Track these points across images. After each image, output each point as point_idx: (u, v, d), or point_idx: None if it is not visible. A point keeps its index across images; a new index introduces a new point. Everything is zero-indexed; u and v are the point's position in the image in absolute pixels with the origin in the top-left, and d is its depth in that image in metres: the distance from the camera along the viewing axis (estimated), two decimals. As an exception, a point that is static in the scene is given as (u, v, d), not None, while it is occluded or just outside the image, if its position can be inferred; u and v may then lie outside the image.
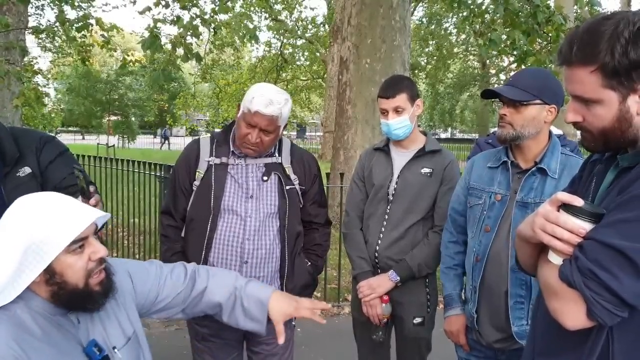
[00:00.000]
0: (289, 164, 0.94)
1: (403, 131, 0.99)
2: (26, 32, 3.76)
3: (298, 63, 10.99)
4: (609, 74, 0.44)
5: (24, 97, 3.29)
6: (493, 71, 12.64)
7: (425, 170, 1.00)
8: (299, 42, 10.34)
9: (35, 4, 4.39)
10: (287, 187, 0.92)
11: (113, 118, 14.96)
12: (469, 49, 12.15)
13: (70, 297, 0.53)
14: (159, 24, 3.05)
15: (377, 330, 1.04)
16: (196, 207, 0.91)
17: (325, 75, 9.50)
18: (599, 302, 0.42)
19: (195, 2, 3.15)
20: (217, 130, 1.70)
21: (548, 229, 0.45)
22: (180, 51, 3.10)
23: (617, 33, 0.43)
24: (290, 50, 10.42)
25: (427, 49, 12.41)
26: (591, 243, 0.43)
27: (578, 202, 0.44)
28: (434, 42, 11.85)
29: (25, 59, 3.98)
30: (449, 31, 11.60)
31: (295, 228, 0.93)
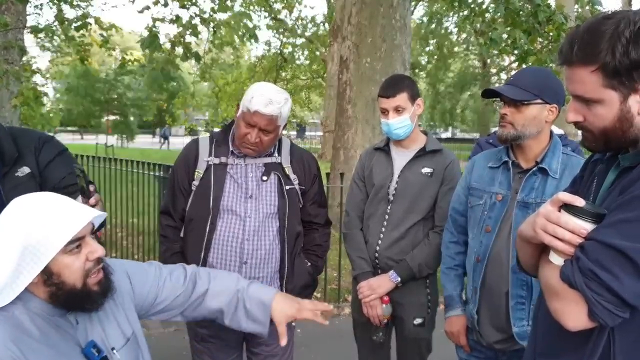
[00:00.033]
0: (288, 164, 0.93)
1: (403, 131, 0.99)
2: (25, 31, 3.74)
3: (298, 62, 11.00)
4: (610, 74, 0.44)
5: (23, 97, 3.28)
6: (494, 70, 12.63)
7: (426, 170, 1.00)
8: (299, 41, 10.35)
9: (33, 3, 4.39)
10: (287, 187, 0.91)
11: (112, 118, 14.94)
12: (470, 48, 12.15)
13: (69, 297, 0.53)
14: (157, 23, 3.04)
15: (378, 331, 1.04)
16: (195, 207, 0.90)
17: (325, 75, 9.49)
18: (600, 302, 0.42)
19: (194, 1, 3.14)
20: (216, 129, 1.71)
21: (549, 230, 0.45)
22: (179, 50, 3.09)
23: (618, 33, 0.43)
24: (290, 49, 10.42)
25: (427, 48, 12.42)
26: (592, 243, 0.42)
27: (579, 202, 0.44)
28: (434, 41, 11.84)
29: (24, 58, 3.97)
30: (449, 30, 11.64)
31: (295, 228, 0.93)
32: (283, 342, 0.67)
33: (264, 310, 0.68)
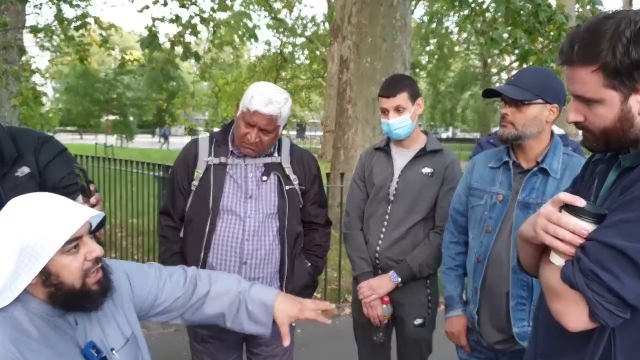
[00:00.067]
0: (288, 164, 0.93)
1: (404, 130, 0.99)
2: (24, 31, 3.74)
3: (298, 62, 10.99)
4: (611, 74, 0.44)
5: (22, 97, 3.28)
6: (494, 70, 12.62)
7: (426, 170, 1.00)
8: (299, 40, 10.34)
9: (33, 2, 4.38)
10: (287, 187, 0.91)
11: (111, 117, 14.92)
12: (470, 47, 12.14)
13: (68, 297, 0.52)
14: (157, 23, 3.04)
15: (378, 332, 1.04)
16: (195, 208, 0.90)
17: (325, 74, 9.48)
18: (600, 303, 0.41)
19: (194, 0, 3.13)
20: (216, 129, 1.70)
21: (550, 230, 0.45)
22: (179, 50, 3.09)
23: (618, 32, 0.43)
24: (290, 49, 10.41)
25: (428, 48, 12.39)
26: (593, 244, 0.42)
27: (580, 202, 0.44)
28: (434, 40, 11.82)
29: (23, 58, 3.96)
30: (450, 30, 11.61)
31: (295, 228, 0.93)
32: (286, 342, 0.67)
33: (266, 312, 0.68)
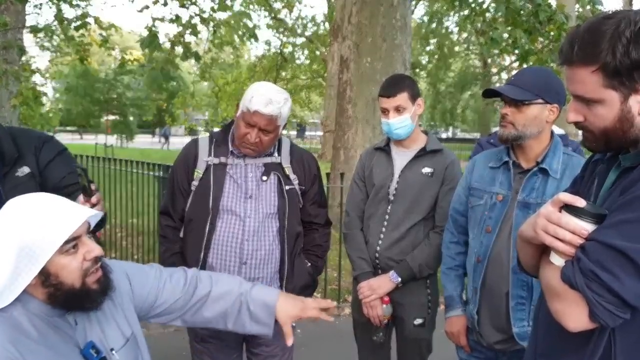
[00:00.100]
0: (288, 164, 0.93)
1: (404, 130, 0.99)
2: (24, 31, 3.74)
3: (298, 62, 10.99)
4: (611, 74, 0.44)
5: (22, 97, 3.28)
6: (494, 70, 12.62)
7: (426, 170, 1.00)
8: (299, 40, 10.34)
9: (33, 2, 4.38)
10: (287, 187, 0.91)
11: (111, 117, 14.91)
12: (470, 47, 12.13)
13: (68, 297, 0.52)
14: (157, 23, 3.04)
15: (378, 331, 1.04)
16: (195, 208, 0.90)
17: (325, 74, 9.48)
18: (600, 303, 0.41)
19: (194, 0, 3.13)
20: (216, 129, 1.70)
21: (550, 230, 0.45)
22: (179, 50, 3.09)
23: (618, 32, 0.43)
24: (290, 49, 10.41)
25: (428, 48, 12.38)
26: (593, 244, 0.42)
27: (580, 202, 0.44)
28: (435, 40, 11.81)
29: (23, 58, 3.96)
30: (450, 30, 11.61)
31: (295, 228, 0.93)
32: (289, 341, 0.67)
33: (268, 312, 0.68)
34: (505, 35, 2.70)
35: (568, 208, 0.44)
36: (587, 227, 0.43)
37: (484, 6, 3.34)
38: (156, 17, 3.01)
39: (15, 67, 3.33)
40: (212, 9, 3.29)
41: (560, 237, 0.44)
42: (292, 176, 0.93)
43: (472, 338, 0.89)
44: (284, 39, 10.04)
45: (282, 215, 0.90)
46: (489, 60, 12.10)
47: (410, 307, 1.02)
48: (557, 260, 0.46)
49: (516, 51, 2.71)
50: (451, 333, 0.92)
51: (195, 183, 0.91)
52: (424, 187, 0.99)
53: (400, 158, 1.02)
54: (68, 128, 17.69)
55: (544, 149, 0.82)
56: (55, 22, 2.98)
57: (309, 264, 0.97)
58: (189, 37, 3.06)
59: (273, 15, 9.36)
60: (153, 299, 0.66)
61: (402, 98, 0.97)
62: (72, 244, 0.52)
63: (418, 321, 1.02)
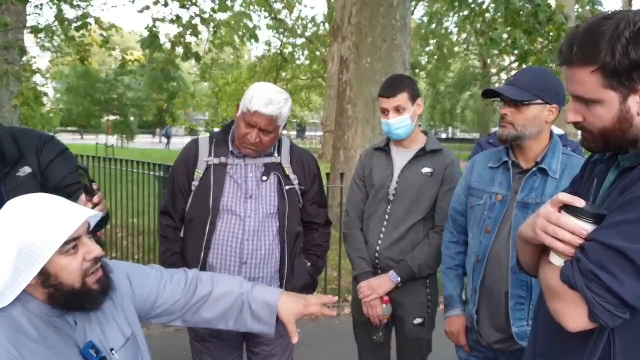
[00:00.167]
0: (288, 164, 0.93)
1: (404, 130, 0.99)
2: (25, 31, 3.74)
3: (298, 62, 10.99)
4: (610, 74, 0.44)
5: (23, 97, 3.28)
6: (494, 70, 12.62)
7: (426, 170, 1.00)
8: (299, 41, 10.34)
9: (33, 3, 4.39)
10: (287, 187, 0.91)
11: (112, 117, 14.93)
12: (470, 48, 12.15)
13: (68, 297, 0.52)
14: (157, 23, 3.04)
15: (378, 331, 1.04)
16: (195, 208, 0.90)
17: (325, 75, 9.49)
18: (600, 303, 0.42)
19: (194, 1, 3.14)
20: (216, 129, 1.70)
21: (549, 230, 0.45)
22: (179, 50, 3.09)
23: (617, 33, 0.43)
24: (290, 49, 10.41)
25: (427, 48, 12.40)
26: (592, 244, 0.42)
27: (579, 203, 0.44)
28: (434, 41, 11.82)
29: (24, 58, 3.96)
30: (449, 30, 11.61)
31: (295, 228, 0.93)
32: (294, 339, 0.67)
33: (270, 311, 0.68)
34: (505, 35, 2.71)
35: (567, 208, 0.44)
36: (586, 227, 0.43)
37: (484, 6, 3.34)
38: (156, 17, 3.01)
39: (16, 67, 3.33)
40: (213, 10, 3.30)
41: (559, 237, 0.44)
42: (292, 176, 0.93)
43: (472, 337, 0.89)
44: (284, 40, 10.06)
45: (282, 215, 0.90)
46: (489, 61, 12.12)
47: (409, 306, 1.02)
48: (557, 260, 0.46)
49: (515, 51, 2.72)
50: (450, 332, 0.92)
51: (195, 183, 0.91)
52: (424, 187, 1.00)
53: (400, 158, 1.02)
54: (69, 128, 17.71)
55: (543, 149, 0.82)
56: (56, 23, 2.98)
57: (309, 263, 0.97)
58: (189, 38, 3.06)
59: (273, 15, 9.37)
60: (153, 300, 0.66)
61: (402, 98, 0.97)
62: (71, 244, 0.52)
63: (418, 321, 1.02)
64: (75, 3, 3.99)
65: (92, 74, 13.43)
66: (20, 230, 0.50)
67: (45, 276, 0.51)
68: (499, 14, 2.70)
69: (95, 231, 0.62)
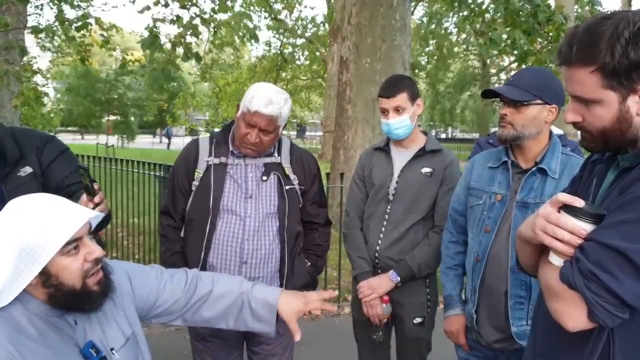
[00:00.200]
0: (288, 164, 0.94)
1: (403, 131, 0.99)
2: (25, 31, 3.75)
3: (298, 62, 11.01)
4: (609, 75, 0.44)
5: (23, 97, 3.28)
6: (493, 71, 12.65)
7: (426, 170, 1.00)
8: (299, 41, 10.36)
9: (34, 3, 4.40)
10: (287, 187, 0.92)
11: (112, 118, 14.95)
12: (470, 48, 12.17)
13: (68, 298, 0.53)
14: (158, 24, 3.04)
15: (377, 331, 1.04)
16: (195, 208, 0.91)
17: (325, 75, 9.50)
18: (599, 303, 0.42)
19: (194, 1, 3.15)
20: (216, 130, 1.71)
21: (549, 230, 0.45)
22: (180, 51, 3.10)
23: (617, 33, 0.43)
24: (290, 49, 10.43)
25: (427, 49, 12.42)
26: (592, 244, 0.43)
27: (579, 203, 0.44)
28: (434, 41, 11.85)
29: (25, 58, 3.97)
30: (449, 31, 11.63)
31: (295, 228, 0.93)
32: (297, 337, 0.67)
33: (270, 310, 0.68)
34: (504, 36, 2.71)
35: (567, 208, 0.44)
36: (585, 227, 0.44)
37: (483, 7, 3.35)
38: (157, 18, 3.02)
39: (17, 67, 3.33)
40: (213, 10, 3.30)
41: (559, 238, 0.44)
42: (292, 176, 0.93)
43: (471, 337, 0.89)
44: (284, 40, 10.07)
45: (282, 215, 0.90)
46: (488, 61, 12.13)
47: (409, 306, 1.02)
48: (556, 260, 0.46)
49: (515, 52, 2.72)
50: (450, 332, 0.92)
51: (195, 183, 0.91)
52: (423, 187, 1.00)
53: (400, 158, 1.03)
54: (69, 128, 17.70)
55: (543, 149, 0.82)
56: (57, 23, 2.98)
57: (309, 263, 0.97)
58: (189, 38, 3.07)
59: (273, 16, 9.39)
60: (154, 300, 0.66)
61: (402, 98, 0.98)
62: (73, 245, 0.52)
63: (417, 320, 1.02)
64: (75, 3, 3.99)
65: (92, 74, 13.45)
66: (22, 230, 0.50)
67: (46, 276, 0.51)
68: (499, 14, 2.70)
69: (96, 231, 0.62)
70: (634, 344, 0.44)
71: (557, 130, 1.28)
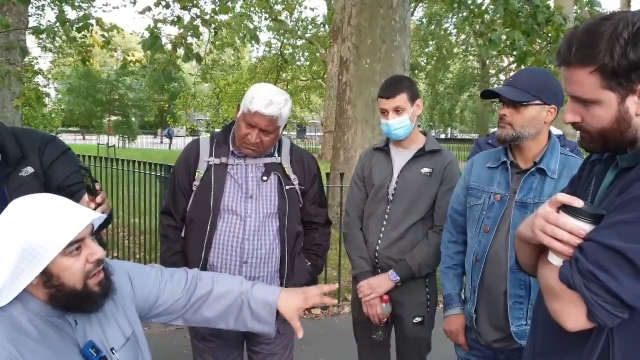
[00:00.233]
0: (288, 164, 0.94)
1: (403, 131, 1.00)
2: (26, 32, 3.76)
3: (298, 63, 11.02)
4: (608, 75, 0.44)
5: (25, 98, 3.29)
6: (493, 71, 12.64)
7: (425, 170, 1.01)
8: (299, 42, 10.36)
9: (35, 4, 4.42)
10: (287, 187, 0.92)
11: (113, 118, 14.98)
12: (469, 49, 12.17)
13: (69, 298, 0.53)
14: (159, 24, 3.05)
15: (377, 330, 1.04)
16: (196, 207, 0.91)
17: (325, 76, 9.51)
18: (599, 303, 0.42)
19: (195, 2, 3.15)
20: (217, 130, 1.71)
21: (548, 230, 0.45)
22: (180, 51, 3.10)
23: (616, 34, 0.43)
24: (290, 50, 10.44)
25: (427, 49, 12.43)
26: (591, 244, 0.43)
27: (578, 203, 0.44)
28: (433, 42, 11.87)
29: (26, 59, 3.99)
30: (448, 31, 11.62)
31: (295, 228, 0.93)
32: (300, 334, 0.67)
33: (270, 310, 0.68)
34: (504, 36, 2.71)
35: (566, 208, 0.44)
36: (584, 227, 0.44)
37: (483, 8, 3.35)
38: (158, 18, 3.03)
39: (18, 67, 3.34)
40: (214, 11, 3.31)
41: (558, 237, 0.44)
42: (292, 176, 0.93)
43: (471, 336, 0.89)
44: (285, 41, 10.09)
45: (282, 215, 0.91)
46: (488, 62, 12.12)
47: (409, 305, 1.02)
48: (555, 260, 0.46)
49: (514, 52, 2.72)
50: (450, 331, 0.92)
51: (196, 183, 0.91)
52: (423, 187, 1.00)
53: (400, 158, 1.03)
54: (70, 128, 17.71)
55: (542, 150, 0.82)
56: (58, 24, 2.99)
57: (309, 263, 0.98)
58: (190, 39, 3.07)
59: (273, 17, 9.40)
60: (154, 300, 0.66)
61: (401, 99, 0.98)
62: (75, 246, 0.52)
63: (417, 320, 1.02)
64: (76, 4, 4.00)
65: (93, 74, 13.48)
66: (25, 230, 0.51)
67: (47, 276, 0.51)
68: (498, 15, 2.70)
69: (97, 231, 0.62)
70: (633, 343, 0.44)
71: (556, 131, 1.29)
